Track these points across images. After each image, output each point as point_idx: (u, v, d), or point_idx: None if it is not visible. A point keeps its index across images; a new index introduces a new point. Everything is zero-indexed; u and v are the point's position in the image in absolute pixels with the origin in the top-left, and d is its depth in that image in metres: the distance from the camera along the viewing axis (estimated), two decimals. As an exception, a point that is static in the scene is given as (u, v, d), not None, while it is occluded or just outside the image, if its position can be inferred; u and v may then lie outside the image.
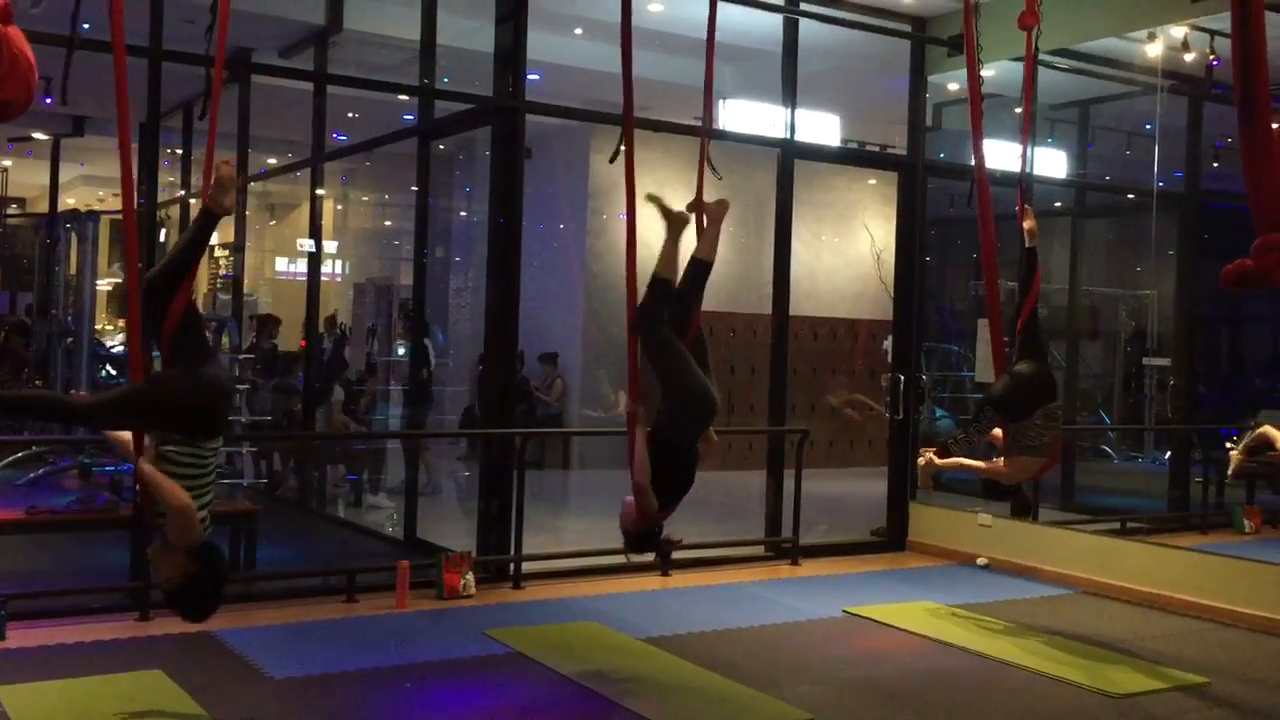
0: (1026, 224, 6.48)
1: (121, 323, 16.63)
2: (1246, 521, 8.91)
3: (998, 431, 6.46)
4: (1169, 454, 10.44)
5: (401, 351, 12.62)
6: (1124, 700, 5.32)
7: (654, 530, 5.28)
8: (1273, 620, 6.74)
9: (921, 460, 6.58)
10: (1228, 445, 9.04)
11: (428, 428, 10.21)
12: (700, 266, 5.37)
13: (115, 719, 4.61)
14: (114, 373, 11.82)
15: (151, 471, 4.23)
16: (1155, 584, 7.38)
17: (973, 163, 6.51)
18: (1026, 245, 6.47)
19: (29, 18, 4.18)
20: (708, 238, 5.42)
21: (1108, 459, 11.41)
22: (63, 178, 15.61)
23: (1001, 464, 6.37)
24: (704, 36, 5.72)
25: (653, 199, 5.28)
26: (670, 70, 9.65)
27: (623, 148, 5.32)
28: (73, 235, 11.71)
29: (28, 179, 19.01)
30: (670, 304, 5.23)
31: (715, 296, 12.44)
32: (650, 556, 5.66)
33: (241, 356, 10.99)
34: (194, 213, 4.50)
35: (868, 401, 13.55)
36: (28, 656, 5.37)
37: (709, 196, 5.49)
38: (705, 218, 5.45)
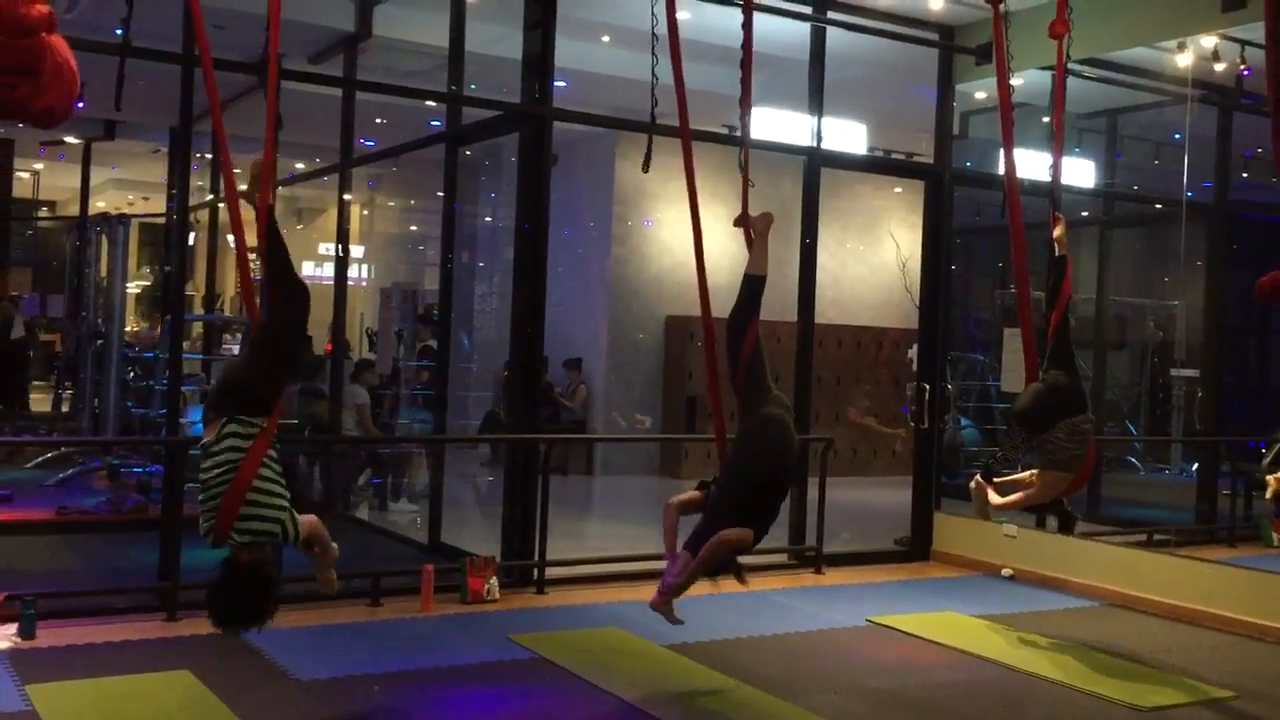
0: (1055, 232, 6.44)
1: (146, 324, 16.83)
2: (1275, 535, 8.81)
3: None
4: (1196, 466, 10.37)
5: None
6: (1150, 714, 5.29)
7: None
8: (1301, 635, 6.69)
9: (973, 485, 6.41)
10: (1266, 473, 8.94)
11: (448, 433, 10.24)
12: (753, 281, 5.44)
13: (143, 718, 4.65)
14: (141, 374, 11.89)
15: None
16: (1182, 597, 7.33)
17: (1000, 171, 6.48)
18: (1056, 254, 6.42)
19: (62, 24, 4.22)
20: (757, 252, 5.48)
21: (1134, 470, 11.33)
22: (93, 181, 15.78)
23: (1035, 478, 6.25)
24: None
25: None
26: (696, 77, 9.65)
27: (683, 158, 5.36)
28: (103, 238, 11.81)
29: (59, 182, 19.23)
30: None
31: (740, 304, 12.49)
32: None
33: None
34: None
35: (878, 427, 13.52)
36: (56, 656, 5.43)
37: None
38: (752, 231, 5.52)
